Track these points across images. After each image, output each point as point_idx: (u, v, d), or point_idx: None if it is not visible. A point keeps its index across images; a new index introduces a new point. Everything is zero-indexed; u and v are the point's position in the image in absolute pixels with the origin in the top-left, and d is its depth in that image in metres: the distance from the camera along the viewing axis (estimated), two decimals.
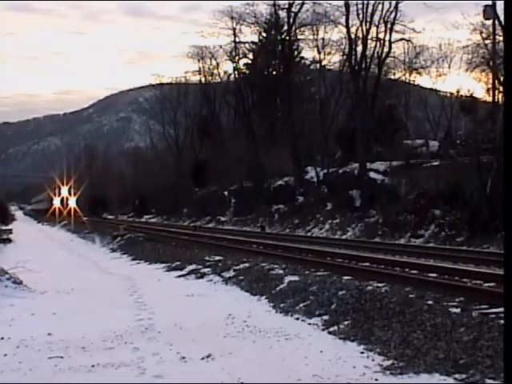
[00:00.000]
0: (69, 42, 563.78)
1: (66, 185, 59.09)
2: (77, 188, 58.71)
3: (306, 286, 11.00)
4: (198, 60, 56.31)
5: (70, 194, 58.37)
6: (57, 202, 64.08)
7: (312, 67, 48.82)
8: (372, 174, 32.38)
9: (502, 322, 7.05)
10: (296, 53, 47.40)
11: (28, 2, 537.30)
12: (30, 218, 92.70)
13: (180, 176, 58.20)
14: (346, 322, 8.77)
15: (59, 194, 62.93)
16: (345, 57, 38.91)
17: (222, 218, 45.03)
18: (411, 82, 42.71)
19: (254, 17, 46.56)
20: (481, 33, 31.61)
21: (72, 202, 56.83)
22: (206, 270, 15.40)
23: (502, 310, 7.57)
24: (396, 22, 34.58)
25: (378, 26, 34.74)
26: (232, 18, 48.07)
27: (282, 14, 42.12)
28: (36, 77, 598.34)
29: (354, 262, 15.03)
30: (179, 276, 15.46)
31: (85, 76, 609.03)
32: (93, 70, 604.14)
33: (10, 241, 34.12)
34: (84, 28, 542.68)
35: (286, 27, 42.32)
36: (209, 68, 57.02)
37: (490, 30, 28.29)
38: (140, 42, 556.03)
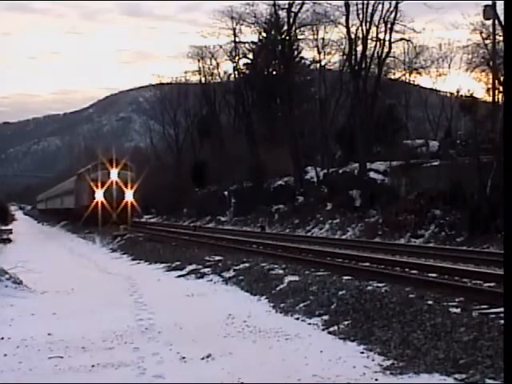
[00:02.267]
0: (67, 41, 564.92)
1: (116, 166, 37.40)
2: (137, 173, 38.39)
3: (306, 286, 11.00)
4: (198, 60, 56.38)
5: (124, 182, 36.75)
6: (99, 195, 36.78)
7: (312, 67, 48.87)
8: (372, 174, 32.40)
9: (502, 321, 7.05)
10: (296, 53, 47.42)
11: (26, 1, 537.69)
12: (30, 218, 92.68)
13: (180, 176, 58.21)
14: (346, 322, 8.77)
15: (102, 184, 37.07)
16: (345, 57, 38.96)
17: (222, 218, 45.05)
18: (411, 82, 42.80)
19: (254, 17, 46.61)
20: (481, 33, 31.73)
21: (129, 195, 36.29)
22: (206, 270, 15.40)
23: (502, 310, 7.57)
24: (396, 22, 34.71)
25: (378, 26, 34.85)
26: (232, 18, 48.15)
27: (282, 14, 42.22)
28: (35, 77, 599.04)
29: (354, 262, 15.04)
30: (179, 276, 15.45)
31: (84, 76, 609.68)
32: (92, 69, 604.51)
33: (10, 241, 34.09)
34: (82, 28, 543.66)
35: (286, 27, 42.36)
36: (209, 68, 57.07)
37: (490, 30, 28.35)
38: (138, 42, 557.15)
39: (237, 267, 14.58)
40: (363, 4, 34.21)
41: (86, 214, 37.26)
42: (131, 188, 36.54)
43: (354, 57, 35.43)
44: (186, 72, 60.81)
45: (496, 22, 26.81)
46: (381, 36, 35.09)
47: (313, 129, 45.21)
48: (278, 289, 11.59)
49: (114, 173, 37.02)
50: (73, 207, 46.05)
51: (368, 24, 34.31)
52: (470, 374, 6.29)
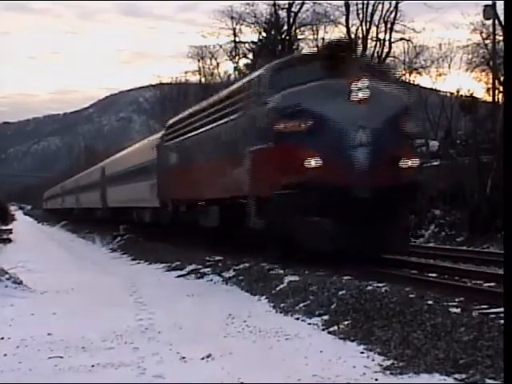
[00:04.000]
0: (67, 41, 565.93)
1: (362, 77, 11.96)
2: None
3: (306, 286, 10.98)
4: (198, 60, 56.25)
5: (395, 121, 12.32)
6: (313, 162, 11.97)
7: None
8: None
9: (502, 321, 7.04)
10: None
11: (25, 1, 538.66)
12: (30, 218, 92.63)
13: None
14: (346, 322, 8.76)
15: (318, 127, 11.75)
16: None
17: None
18: (411, 82, 42.76)
19: (254, 17, 46.52)
20: (481, 33, 31.77)
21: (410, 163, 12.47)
22: (205, 269, 15.38)
23: (501, 310, 7.56)
24: (396, 21, 34.81)
25: (378, 26, 34.93)
26: (232, 17, 48.07)
27: (282, 13, 42.21)
28: (35, 76, 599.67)
29: None
30: (179, 276, 15.44)
31: (84, 76, 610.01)
32: (92, 69, 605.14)
33: (10, 241, 34.10)
34: (82, 28, 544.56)
35: (285, 27, 42.35)
36: (209, 68, 56.98)
37: (490, 29, 28.38)
38: (137, 42, 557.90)
39: (237, 267, 14.57)
40: (363, 4, 34.35)
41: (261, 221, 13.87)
42: (411, 143, 14.27)
43: None
44: (185, 72, 60.71)
45: (496, 21, 26.82)
46: (381, 36, 35.20)
47: None
48: (277, 289, 11.57)
49: (357, 92, 12.10)
50: (152, 206, 24.62)
51: (368, 24, 34.47)
52: (469, 374, 6.28)
